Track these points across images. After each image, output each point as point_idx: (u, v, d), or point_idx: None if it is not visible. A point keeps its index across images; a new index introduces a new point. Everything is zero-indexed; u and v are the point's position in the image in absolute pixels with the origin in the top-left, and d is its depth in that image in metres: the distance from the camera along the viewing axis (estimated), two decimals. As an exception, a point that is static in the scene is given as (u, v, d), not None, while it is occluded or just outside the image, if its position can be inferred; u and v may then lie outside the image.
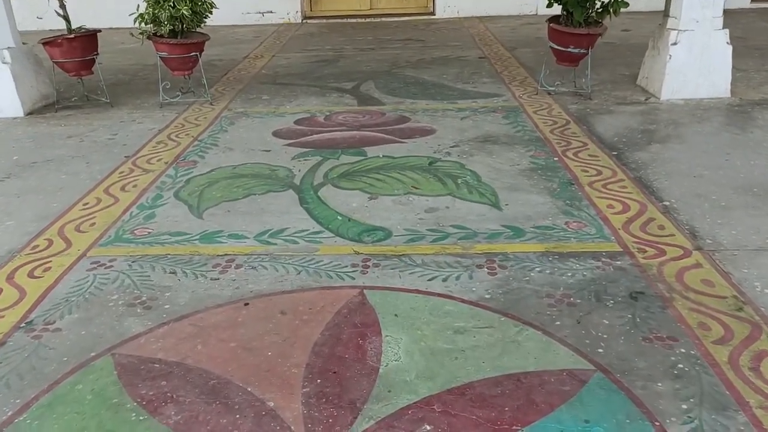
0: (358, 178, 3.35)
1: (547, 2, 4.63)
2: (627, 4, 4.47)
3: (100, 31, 4.85)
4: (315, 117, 4.53)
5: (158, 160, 3.72)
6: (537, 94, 4.88)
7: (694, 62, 4.52)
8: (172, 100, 4.93)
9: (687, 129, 3.98)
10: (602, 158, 3.51)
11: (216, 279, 2.40)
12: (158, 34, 4.65)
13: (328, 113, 4.60)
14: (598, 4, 4.51)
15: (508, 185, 3.19)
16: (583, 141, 3.79)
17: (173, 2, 4.51)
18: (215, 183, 3.35)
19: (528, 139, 3.88)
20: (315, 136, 4.10)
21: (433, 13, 9.32)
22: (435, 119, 4.36)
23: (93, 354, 1.99)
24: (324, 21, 9.29)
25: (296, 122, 4.42)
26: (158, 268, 2.50)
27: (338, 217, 2.90)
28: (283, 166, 3.57)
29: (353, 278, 2.38)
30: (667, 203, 2.93)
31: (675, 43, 4.51)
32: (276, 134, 4.16)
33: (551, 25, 4.61)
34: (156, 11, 4.50)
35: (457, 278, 2.35)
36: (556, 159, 3.53)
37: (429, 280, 2.35)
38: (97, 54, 4.87)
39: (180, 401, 1.77)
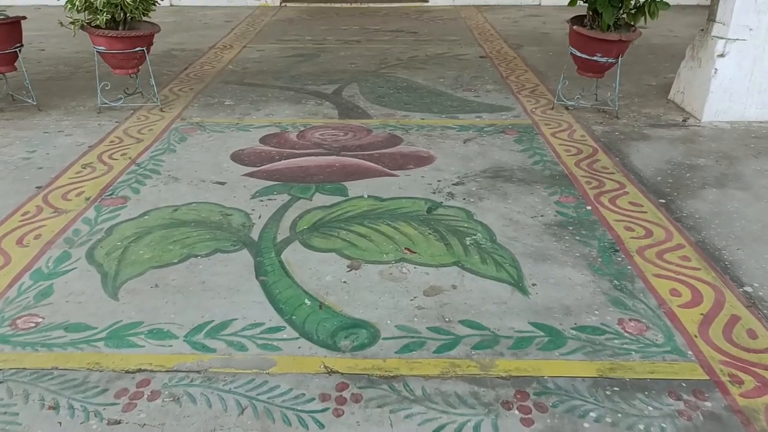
0: (335, 232, 2.55)
1: (569, 0, 3.82)
2: (667, 5, 3.69)
3: (24, 18, 3.95)
4: (286, 133, 3.71)
5: (78, 195, 2.88)
6: (553, 108, 4.10)
7: (744, 79, 3.77)
8: (113, 104, 4.07)
9: (744, 166, 3.23)
10: (648, 209, 2.76)
11: (116, 423, 1.61)
12: (94, 24, 3.77)
13: (302, 128, 3.78)
14: (632, 4, 3.72)
15: (532, 250, 2.42)
16: (618, 181, 3.03)
17: (111, -15, 3.63)
18: (146, 235, 2.53)
19: (549, 175, 3.10)
20: (284, 162, 3.28)
21: (426, 0, 8.45)
22: (432, 141, 3.56)
23: None
24: (305, 5, 8.37)
25: (262, 140, 3.60)
26: (35, 396, 1.70)
27: (306, 302, 2.12)
28: (239, 209, 2.75)
29: (321, 425, 1.61)
30: (749, 289, 2.18)
31: (722, 55, 3.75)
32: (235, 158, 3.34)
33: (575, 28, 3.81)
34: (89, -4, 3.62)
35: (476, 429, 1.59)
36: (589, 208, 2.76)
37: (434, 431, 1.59)
38: (21, 46, 3.96)
39: None
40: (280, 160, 3.31)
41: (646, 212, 2.72)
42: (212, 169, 3.18)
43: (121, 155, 3.34)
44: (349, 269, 2.30)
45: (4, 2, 8.17)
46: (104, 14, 3.68)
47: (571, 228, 2.59)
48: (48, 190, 2.93)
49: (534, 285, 2.20)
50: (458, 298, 2.13)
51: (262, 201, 2.84)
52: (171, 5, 8.23)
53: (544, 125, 3.80)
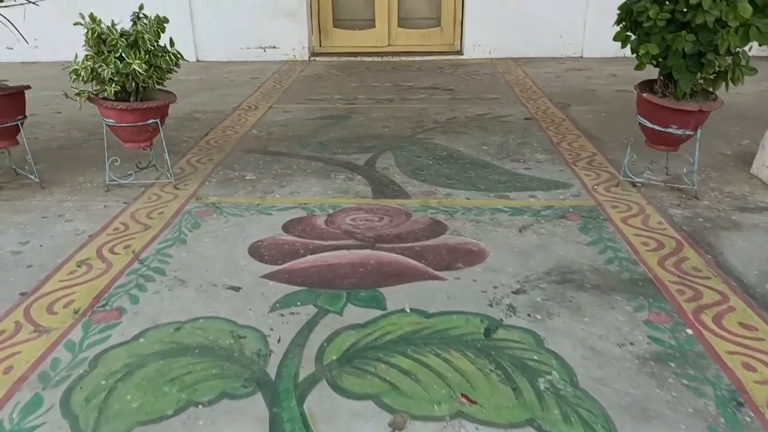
0: (371, 366, 2.04)
1: (638, 62, 3.32)
2: (754, 71, 3.17)
3: (28, 87, 3.61)
4: (313, 217, 3.24)
5: (66, 306, 2.43)
6: (618, 185, 3.57)
7: None
8: (123, 181, 3.67)
9: None
10: (765, 333, 2.18)
11: None
12: (102, 95, 3.40)
13: (331, 210, 3.32)
14: (713, 68, 3.21)
15: (628, 402, 1.87)
16: (718, 290, 2.47)
17: (121, 53, 3.26)
18: (138, 369, 2.05)
19: (630, 280, 2.56)
20: (309, 258, 2.80)
21: (460, 52, 8.08)
22: (482, 229, 3.06)
23: None
24: (334, 59, 8.07)
25: (285, 227, 3.13)
26: None
27: (335, 487, 1.60)
28: (255, 329, 2.26)
29: None
30: None
31: (822, 127, 3.21)
32: (254, 251, 2.87)
33: (644, 95, 3.31)
34: (96, 65, 3.26)
35: None
36: (690, 332, 2.21)
37: None
38: (24, 118, 3.61)
39: None
40: (305, 255, 2.83)
41: (763, 339, 2.15)
42: (226, 268, 2.71)
43: (124, 248, 2.90)
44: (391, 430, 1.78)
45: (29, 58, 8.07)
46: (113, 85, 3.31)
47: (673, 364, 2.03)
48: (33, 298, 2.48)
49: (640, 463, 1.65)
50: (540, 485, 1.58)
51: (282, 315, 2.35)
52: (197, 60, 8.01)
53: (611, 208, 3.27)
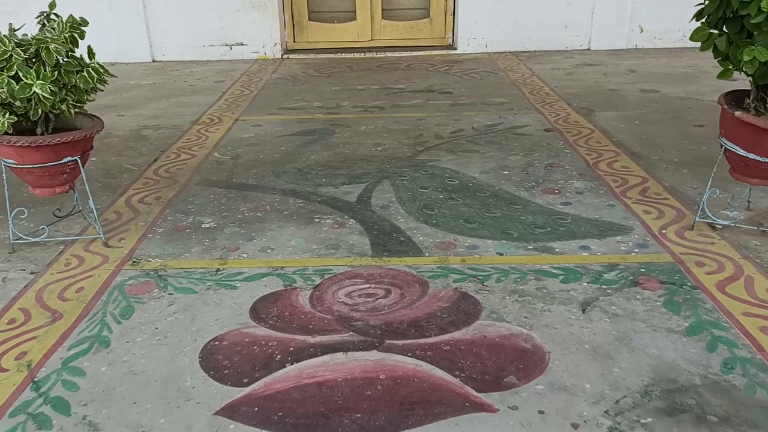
0: None
1: (724, 69, 2.47)
2: None
3: None
4: (293, 290, 2.35)
5: None
6: (692, 228, 2.73)
7: None
8: (34, 239, 2.73)
9: None
10: None
11: None
12: (-6, 128, 2.45)
13: (317, 279, 2.42)
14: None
15: None
16: None
17: (16, 71, 2.31)
18: None
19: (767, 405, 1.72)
20: (290, 369, 1.91)
21: (453, 47, 7.18)
22: (529, 307, 2.19)
23: None
24: (311, 57, 7.11)
25: (255, 310, 2.23)
26: None
27: None
28: None
29: None
30: None
31: None
32: (208, 359, 1.97)
33: (738, 114, 2.46)
34: (-20, 89, 2.31)
35: None
36: None
37: None
38: None
39: None
40: (283, 365, 1.93)
41: None
42: (165, 396, 1.81)
43: (16, 359, 1.98)
44: None
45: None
46: (7, 115, 2.36)
47: None
48: None
49: None
50: None
51: (249, 501, 1.46)
52: (153, 61, 7.00)
53: (696, 266, 2.43)
